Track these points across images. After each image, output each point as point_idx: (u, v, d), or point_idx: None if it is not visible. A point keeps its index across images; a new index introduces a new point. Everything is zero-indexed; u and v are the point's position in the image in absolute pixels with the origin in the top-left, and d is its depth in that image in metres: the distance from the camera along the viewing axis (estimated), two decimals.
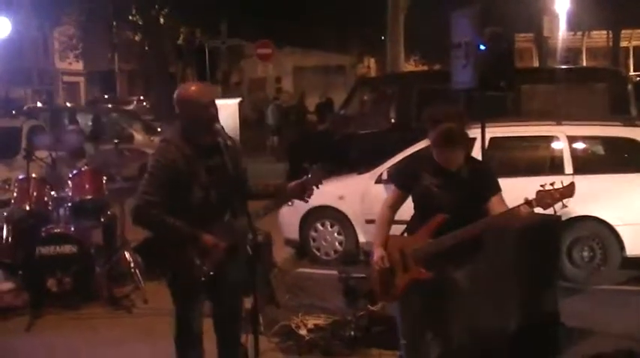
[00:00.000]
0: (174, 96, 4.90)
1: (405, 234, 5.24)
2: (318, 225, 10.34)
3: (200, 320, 5.10)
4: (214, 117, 4.84)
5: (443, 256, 4.92)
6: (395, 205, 5.21)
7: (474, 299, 5.05)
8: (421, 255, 4.99)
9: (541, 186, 4.74)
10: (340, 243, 10.27)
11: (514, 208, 4.77)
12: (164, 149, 4.82)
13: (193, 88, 4.99)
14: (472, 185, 4.94)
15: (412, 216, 5.19)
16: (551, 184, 4.70)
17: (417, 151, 5.46)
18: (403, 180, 5.21)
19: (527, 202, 4.70)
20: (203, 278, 4.87)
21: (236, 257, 4.94)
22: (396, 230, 5.30)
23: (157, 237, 5.01)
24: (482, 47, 7.25)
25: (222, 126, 4.85)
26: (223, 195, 4.85)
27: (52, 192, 8.67)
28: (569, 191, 4.64)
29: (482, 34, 7.31)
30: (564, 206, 4.65)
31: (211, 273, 4.87)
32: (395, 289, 5.11)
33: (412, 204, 5.22)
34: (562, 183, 4.68)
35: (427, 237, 4.98)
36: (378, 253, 5.12)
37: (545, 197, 4.65)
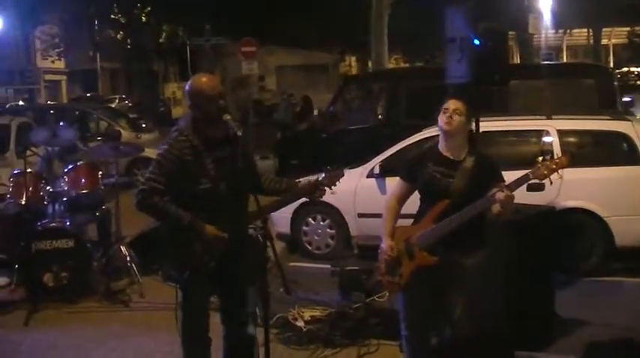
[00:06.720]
0: (186, 87, 4.89)
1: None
2: (310, 220, 10.39)
3: (207, 312, 5.07)
4: (224, 108, 4.81)
5: (448, 242, 4.93)
6: (401, 197, 5.23)
7: (480, 288, 5.08)
8: (425, 240, 5.00)
9: (537, 159, 4.82)
10: (332, 237, 10.32)
11: (500, 186, 4.80)
12: (174, 139, 4.80)
13: (204, 79, 4.89)
14: (476, 173, 4.96)
15: (418, 208, 5.19)
16: (548, 156, 4.79)
17: (422, 144, 5.48)
18: (408, 171, 5.23)
19: (524, 176, 4.74)
20: (208, 269, 4.87)
21: (242, 248, 4.95)
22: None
23: (156, 231, 4.98)
24: (476, 42, 7.36)
25: (230, 118, 4.86)
26: (233, 187, 4.83)
27: (48, 187, 8.66)
28: (564, 161, 4.70)
29: (477, 29, 7.41)
30: (560, 177, 4.70)
31: (215, 264, 4.87)
32: (401, 278, 5.12)
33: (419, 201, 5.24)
34: (557, 155, 4.75)
35: (431, 224, 4.99)
36: (386, 243, 5.14)
37: (542, 168, 4.70)
